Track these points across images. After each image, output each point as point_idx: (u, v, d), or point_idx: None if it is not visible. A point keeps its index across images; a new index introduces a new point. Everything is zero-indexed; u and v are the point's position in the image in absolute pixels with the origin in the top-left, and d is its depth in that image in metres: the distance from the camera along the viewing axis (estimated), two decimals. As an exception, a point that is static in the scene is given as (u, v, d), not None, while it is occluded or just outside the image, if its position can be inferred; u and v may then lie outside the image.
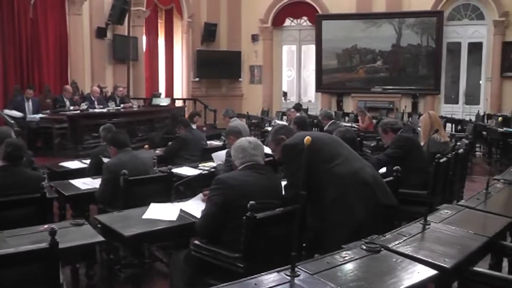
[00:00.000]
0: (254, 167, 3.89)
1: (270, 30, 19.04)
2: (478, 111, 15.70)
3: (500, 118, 11.76)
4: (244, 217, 3.33)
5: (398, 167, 4.61)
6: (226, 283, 2.46)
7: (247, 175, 3.83)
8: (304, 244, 3.98)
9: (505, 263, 3.97)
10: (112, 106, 12.66)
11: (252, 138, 4.15)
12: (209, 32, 18.56)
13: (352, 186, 3.70)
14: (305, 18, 18.90)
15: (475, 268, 3.02)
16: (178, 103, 17.00)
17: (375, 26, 17.60)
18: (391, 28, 17.52)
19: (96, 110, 11.99)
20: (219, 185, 3.73)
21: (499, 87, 16.82)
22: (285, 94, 19.47)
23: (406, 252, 2.94)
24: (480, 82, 17.44)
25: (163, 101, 15.12)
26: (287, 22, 19.23)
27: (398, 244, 3.06)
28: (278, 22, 19.06)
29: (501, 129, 11.55)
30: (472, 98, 17.49)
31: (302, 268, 2.62)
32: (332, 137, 4.15)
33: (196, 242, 3.75)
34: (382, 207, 3.75)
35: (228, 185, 3.71)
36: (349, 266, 2.71)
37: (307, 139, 2.78)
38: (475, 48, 17.49)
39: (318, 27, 18.13)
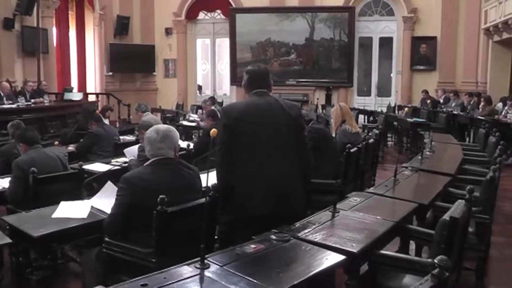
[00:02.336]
0: (163, 162, 3.70)
1: (184, 23, 18.87)
2: (390, 102, 16.24)
3: (406, 109, 12.25)
4: (155, 212, 3.26)
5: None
6: (135, 278, 2.42)
7: (153, 172, 3.65)
8: (216, 237, 3.98)
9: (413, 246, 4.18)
10: (22, 102, 12.12)
11: (162, 127, 3.84)
12: (122, 25, 18.18)
13: (253, 186, 3.62)
14: (218, 11, 18.88)
15: (381, 252, 3.14)
16: (91, 98, 16.50)
17: (288, 19, 17.85)
18: (304, 22, 17.82)
19: (5, 106, 11.44)
20: (125, 185, 3.58)
21: (409, 79, 17.58)
22: (200, 87, 19.31)
23: (315, 240, 3.00)
24: (391, 75, 18.14)
25: (76, 96, 14.66)
26: (201, 15, 19.13)
27: (307, 232, 3.12)
28: (191, 15, 18.92)
29: (410, 120, 12.05)
30: (384, 90, 18.12)
31: (212, 260, 2.62)
32: (264, 125, 3.69)
33: (107, 239, 3.64)
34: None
35: (133, 185, 3.55)
36: (259, 257, 2.74)
37: (213, 131, 2.80)
38: (386, 43, 18.18)
39: (232, 21, 18.18)
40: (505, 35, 14.98)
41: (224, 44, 19.11)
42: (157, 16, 18.99)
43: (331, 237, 3.06)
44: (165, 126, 3.99)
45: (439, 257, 2.14)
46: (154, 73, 19.38)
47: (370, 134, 7.60)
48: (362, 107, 15.73)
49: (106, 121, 8.70)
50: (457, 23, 17.08)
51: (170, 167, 3.73)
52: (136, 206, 3.51)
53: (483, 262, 4.65)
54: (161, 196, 3.26)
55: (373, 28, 18.06)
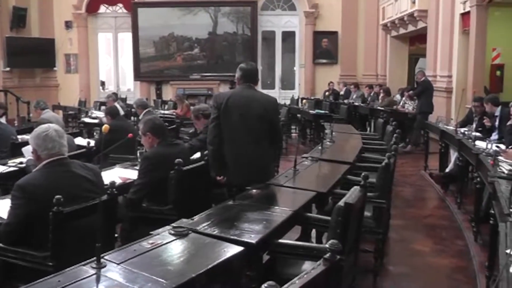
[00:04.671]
0: (58, 163, 3.50)
1: (85, 16, 18.24)
2: (293, 95, 16.53)
3: (304, 101, 12.55)
4: (51, 213, 3.10)
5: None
6: (28, 285, 2.32)
7: (49, 175, 3.44)
8: (116, 235, 3.90)
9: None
10: None
11: (54, 125, 3.68)
12: (19, 17, 17.12)
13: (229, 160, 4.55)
14: (120, 5, 18.44)
15: (280, 241, 3.19)
16: (-12, 95, 15.69)
17: (191, 13, 17.77)
18: (207, 16, 17.80)
19: None
20: (19, 193, 3.32)
21: (312, 73, 18.04)
22: (102, 83, 18.85)
23: (214, 233, 3.00)
24: (294, 68, 18.50)
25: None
26: (102, 8, 18.57)
27: (206, 225, 3.11)
28: (92, 8, 18.32)
29: (313, 111, 12.31)
30: (287, 83, 18.47)
31: (108, 259, 2.55)
32: (242, 111, 4.51)
33: (0, 245, 3.40)
34: None
35: (29, 194, 3.31)
36: (157, 252, 2.70)
37: (105, 127, 2.76)
38: (289, 37, 18.54)
39: (134, 15, 17.85)
40: (402, 31, 15.72)
41: (126, 38, 18.72)
42: (56, 8, 18.19)
43: (230, 229, 3.07)
44: (54, 125, 3.77)
45: (330, 241, 2.20)
46: (55, 68, 18.62)
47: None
48: (267, 100, 15.83)
49: (3, 120, 8.30)
50: (356, 18, 17.76)
51: (66, 168, 3.55)
52: (33, 214, 3.30)
53: (381, 244, 4.85)
54: (57, 196, 3.10)
55: (276, 22, 18.35)
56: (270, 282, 1.76)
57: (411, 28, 14.95)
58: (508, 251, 2.51)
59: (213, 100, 4.88)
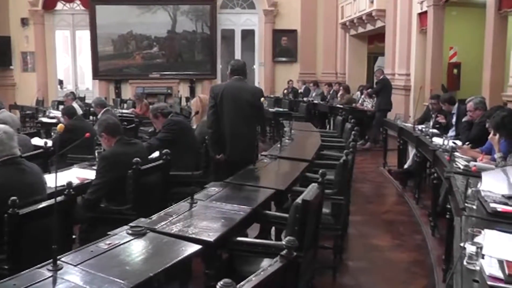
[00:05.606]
0: (11, 162, 3.53)
1: (41, 13, 17.75)
2: (253, 93, 16.49)
3: (263, 99, 12.53)
4: (6, 215, 3.05)
5: (168, 150, 4.69)
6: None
7: (2, 174, 3.45)
8: (74, 236, 3.84)
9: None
10: None
11: (4, 127, 3.73)
12: (-27, 14, 16.76)
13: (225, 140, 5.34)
14: (78, 2, 18.02)
15: (238, 239, 3.20)
16: None
17: (150, 12, 17.61)
18: (166, 15, 17.68)
19: None
20: None
21: (271, 71, 18.10)
22: (61, 82, 18.53)
23: (172, 232, 3.00)
24: (254, 66, 18.48)
25: None
26: (59, 5, 18.12)
27: (164, 224, 3.10)
28: (49, 5, 17.84)
29: (272, 110, 12.36)
30: (247, 81, 18.31)
31: (65, 261, 2.53)
32: (234, 99, 5.32)
33: None
34: None
35: None
36: (114, 252, 2.68)
37: (60, 127, 2.72)
38: (248, 35, 18.55)
39: (92, 12, 17.54)
40: (361, 30, 15.93)
41: (84, 36, 18.37)
42: (11, 4, 17.61)
43: (188, 228, 3.07)
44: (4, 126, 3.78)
45: (286, 238, 2.22)
46: (11, 67, 18.05)
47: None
48: (227, 99, 15.85)
49: (-46, 121, 8.08)
50: (315, 17, 17.88)
51: (20, 166, 3.57)
52: None
53: (340, 240, 4.90)
54: (12, 198, 3.05)
55: (235, 20, 18.36)
56: (226, 280, 1.77)
57: (369, 27, 15.15)
58: (462, 244, 2.56)
59: (210, 91, 5.53)
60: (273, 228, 4.39)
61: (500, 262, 2.37)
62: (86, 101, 14.79)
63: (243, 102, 5.33)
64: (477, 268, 2.36)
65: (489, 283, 2.24)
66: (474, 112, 6.46)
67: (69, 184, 3.52)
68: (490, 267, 2.34)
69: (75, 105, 9.62)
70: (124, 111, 12.45)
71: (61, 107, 13.30)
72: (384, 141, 9.98)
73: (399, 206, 7.37)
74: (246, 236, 4.20)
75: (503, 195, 3.62)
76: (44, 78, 18.14)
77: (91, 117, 10.75)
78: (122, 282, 2.32)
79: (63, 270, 2.44)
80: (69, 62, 18.82)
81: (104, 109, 8.33)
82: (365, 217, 6.70)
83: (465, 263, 2.39)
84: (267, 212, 3.90)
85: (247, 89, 5.58)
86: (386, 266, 5.16)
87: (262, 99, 5.47)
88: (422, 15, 11.98)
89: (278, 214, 3.91)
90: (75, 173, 4.93)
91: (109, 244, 2.75)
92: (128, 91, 17.66)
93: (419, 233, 6.08)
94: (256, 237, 3.92)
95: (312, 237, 3.27)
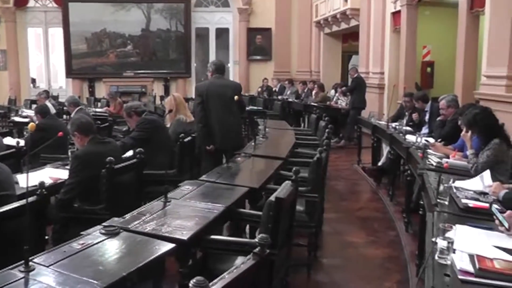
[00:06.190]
0: None
1: (13, 10, 17.44)
2: (228, 92, 16.50)
3: (236, 97, 12.54)
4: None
5: (141, 149, 4.66)
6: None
7: None
8: (47, 237, 3.80)
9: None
10: None
11: None
12: None
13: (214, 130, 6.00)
14: (50, -2, 17.90)
15: (212, 237, 3.20)
16: None
17: (124, 9, 17.50)
18: (140, 13, 17.59)
19: None
20: None
21: (246, 69, 18.11)
22: (33, 80, 18.30)
23: (146, 231, 2.98)
24: (229, 65, 18.45)
25: None
26: (31, 2, 17.83)
27: (137, 224, 3.09)
28: (21, 2, 17.53)
29: (247, 108, 12.34)
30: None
31: (37, 262, 2.50)
32: (219, 94, 5.99)
33: None
34: None
35: None
36: (87, 252, 2.65)
37: (31, 125, 2.70)
38: (223, 33, 18.54)
39: (65, 9, 17.35)
40: (335, 28, 16.02)
41: (57, 34, 18.17)
42: (-19, 2, 17.45)
43: (162, 227, 3.05)
44: None
45: (259, 236, 2.23)
46: (-17, 66, 17.89)
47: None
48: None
49: None
50: (290, 15, 17.96)
51: None
52: None
53: (315, 237, 4.93)
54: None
55: (209, 19, 18.35)
56: (199, 278, 1.77)
57: (344, 25, 15.25)
58: (434, 239, 2.60)
59: (196, 90, 6.33)
60: (248, 226, 4.41)
61: (471, 256, 2.41)
62: (60, 99, 14.61)
63: (227, 97, 5.94)
64: (448, 262, 2.40)
65: (459, 277, 2.27)
66: (446, 110, 6.54)
67: (42, 184, 3.48)
68: (461, 262, 2.37)
69: (48, 104, 9.51)
70: (98, 110, 12.33)
71: (34, 106, 13.15)
72: (358, 139, 10.06)
73: (373, 203, 7.43)
74: (222, 234, 4.21)
75: (474, 191, 3.70)
76: (17, 76, 17.86)
77: (64, 116, 10.64)
78: (96, 282, 2.30)
79: (35, 271, 2.40)
80: (42, 60, 18.58)
81: (78, 108, 8.25)
82: (339, 214, 6.75)
83: (436, 257, 2.43)
84: (241, 210, 3.91)
85: (229, 85, 6.31)
86: (361, 262, 5.21)
87: (236, 97, 5.80)
88: (396, 15, 12.10)
89: (252, 212, 3.93)
90: (48, 173, 4.87)
91: (82, 244, 2.73)
92: (102, 90, 17.49)
93: (393, 229, 6.14)
94: (230, 235, 3.92)
95: (286, 235, 3.29)
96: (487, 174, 3.91)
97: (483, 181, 3.84)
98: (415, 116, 7.97)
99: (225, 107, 5.99)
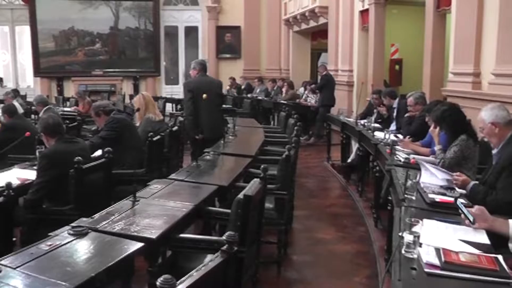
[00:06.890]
0: None
1: (-22, 8, 17.26)
2: (199, 90, 16.47)
3: (205, 95, 12.59)
4: None
5: (110, 148, 4.64)
6: None
7: None
8: (15, 239, 3.77)
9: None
10: None
11: None
12: None
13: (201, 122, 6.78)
14: (17, -4, 17.60)
15: (181, 235, 3.20)
16: None
17: (92, 7, 17.31)
18: (108, 11, 17.44)
19: None
20: None
21: (215, 67, 18.04)
22: (0, 80, 17.99)
23: (114, 230, 2.97)
24: (198, 63, 18.33)
25: None
26: (-2, 0, 17.62)
27: (106, 224, 3.07)
28: (-14, 0, 17.35)
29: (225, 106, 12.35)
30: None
31: (3, 264, 2.47)
32: (205, 91, 6.71)
33: None
34: None
35: None
36: (55, 254, 2.63)
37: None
38: (192, 32, 18.50)
39: (32, 7, 17.07)
40: (304, 26, 16.09)
41: (25, 32, 17.84)
42: None
43: (130, 226, 3.05)
44: None
45: (227, 233, 2.25)
46: None
47: (177, 122, 7.70)
48: (170, 96, 15.90)
49: None
50: (259, 13, 17.98)
51: None
52: None
53: (284, 234, 4.96)
54: None
55: (178, 17, 18.30)
56: (166, 276, 1.78)
57: (312, 23, 15.32)
58: (400, 234, 2.64)
59: (185, 86, 7.14)
60: (218, 224, 4.42)
61: (437, 250, 2.46)
62: (28, 99, 14.39)
63: (212, 92, 6.79)
64: (415, 256, 2.44)
65: (426, 270, 2.32)
66: (414, 107, 6.63)
67: (9, 185, 3.46)
68: (427, 255, 2.42)
69: (15, 103, 9.36)
70: (66, 109, 12.15)
71: (1, 105, 12.94)
72: (327, 136, 10.13)
73: (343, 199, 7.51)
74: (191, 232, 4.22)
75: (441, 186, 3.77)
76: (-17, 75, 17.57)
77: (32, 116, 10.50)
78: (64, 283, 2.28)
79: (2, 274, 2.38)
80: (9, 59, 18.24)
81: (46, 107, 8.17)
82: (309, 211, 6.80)
83: (403, 251, 2.47)
84: (210, 208, 3.92)
85: (214, 83, 7.31)
86: (330, 258, 5.26)
87: (205, 96, 6.48)
88: (364, 13, 12.18)
89: (221, 210, 3.94)
90: (16, 173, 4.81)
91: (50, 245, 2.71)
92: (70, 89, 17.30)
93: (363, 225, 6.22)
94: (199, 234, 3.93)
95: (255, 232, 3.32)
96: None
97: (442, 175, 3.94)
98: (382, 109, 8.05)
99: (211, 102, 6.76)
